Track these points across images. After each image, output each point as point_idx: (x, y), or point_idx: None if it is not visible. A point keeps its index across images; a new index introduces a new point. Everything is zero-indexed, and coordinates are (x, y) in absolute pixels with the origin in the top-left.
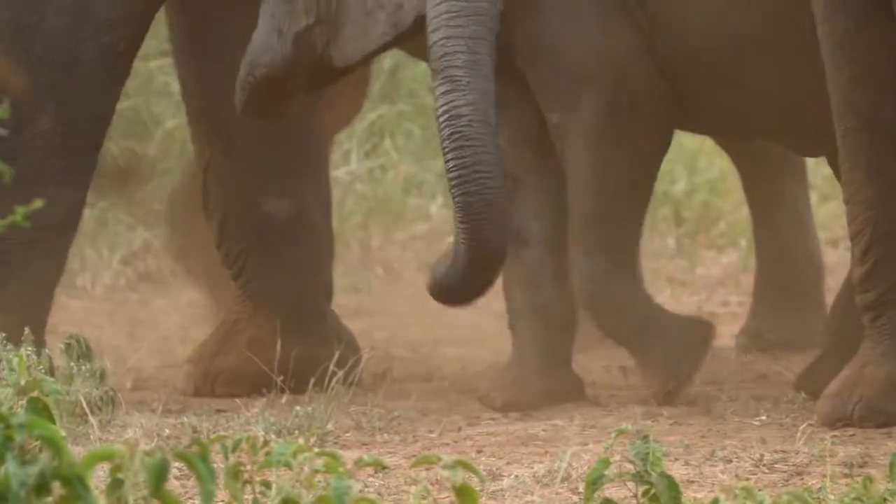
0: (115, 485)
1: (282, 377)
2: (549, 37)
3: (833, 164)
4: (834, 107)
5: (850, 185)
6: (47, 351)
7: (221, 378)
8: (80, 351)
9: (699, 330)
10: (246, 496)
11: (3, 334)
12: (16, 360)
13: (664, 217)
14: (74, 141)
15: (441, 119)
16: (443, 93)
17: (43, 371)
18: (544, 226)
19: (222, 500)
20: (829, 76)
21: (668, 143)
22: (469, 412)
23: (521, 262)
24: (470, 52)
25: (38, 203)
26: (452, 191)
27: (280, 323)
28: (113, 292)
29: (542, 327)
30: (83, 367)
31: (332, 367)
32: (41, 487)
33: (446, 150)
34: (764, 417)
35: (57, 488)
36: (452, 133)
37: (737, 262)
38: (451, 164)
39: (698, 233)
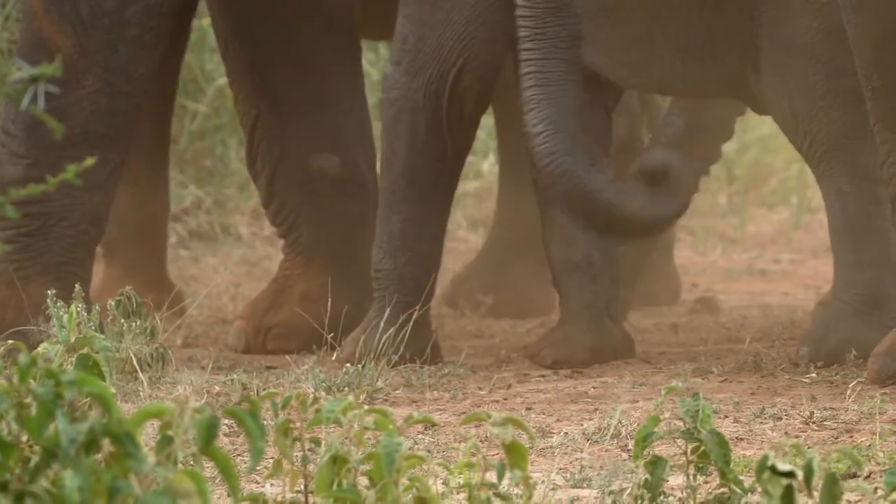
0: (165, 442)
1: (332, 333)
2: None
3: None
4: (859, 67)
5: (885, 145)
6: (97, 307)
7: (273, 333)
8: (131, 307)
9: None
10: (295, 453)
11: (54, 291)
12: (66, 317)
13: (715, 175)
14: (119, 102)
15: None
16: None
17: (93, 328)
18: None
19: (272, 457)
20: (852, 37)
21: None
22: (519, 369)
23: (553, 220)
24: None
25: (89, 161)
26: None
27: (331, 279)
28: None
29: (584, 284)
30: (133, 324)
31: (382, 323)
32: (91, 444)
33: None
34: (814, 375)
35: (106, 445)
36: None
37: (788, 219)
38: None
39: (749, 190)
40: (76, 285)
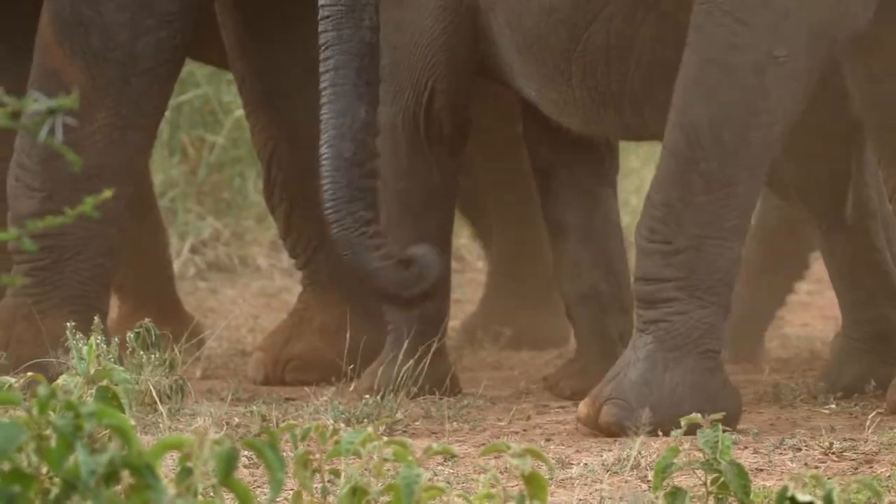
0: (185, 473)
1: (351, 365)
2: None
3: None
4: (859, 105)
5: (890, 180)
6: (116, 339)
7: (292, 365)
8: (150, 340)
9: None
10: (315, 485)
11: (73, 323)
12: (85, 349)
13: None
14: (132, 136)
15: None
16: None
17: (112, 360)
18: (578, 215)
19: (291, 489)
20: (851, 76)
21: None
22: (538, 400)
23: (560, 252)
24: (332, 84)
25: (107, 194)
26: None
27: (349, 311)
28: (182, 281)
29: (594, 313)
30: (153, 356)
31: (401, 355)
32: (110, 476)
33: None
34: (833, 406)
35: (126, 477)
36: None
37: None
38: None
39: None
40: (95, 317)
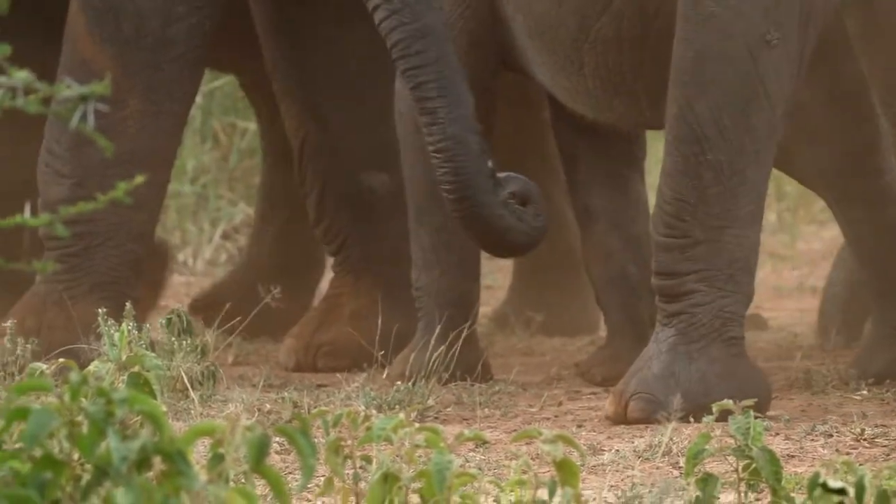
0: (216, 460)
1: (383, 351)
2: None
3: None
4: (877, 95)
5: None
6: (148, 326)
7: (323, 352)
8: (182, 326)
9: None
10: (346, 471)
11: (104, 309)
12: (117, 336)
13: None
14: (163, 122)
15: (432, 154)
16: (425, 125)
17: (144, 346)
18: (606, 199)
19: (323, 475)
20: (866, 66)
21: None
22: (569, 387)
23: (589, 237)
24: (440, 77)
25: (139, 179)
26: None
27: (381, 297)
28: (214, 267)
29: (623, 298)
30: (184, 343)
31: (432, 341)
32: (142, 462)
33: (442, 185)
34: (865, 392)
35: (158, 463)
36: (443, 169)
37: (838, 236)
38: (448, 197)
39: (799, 208)
40: (127, 304)
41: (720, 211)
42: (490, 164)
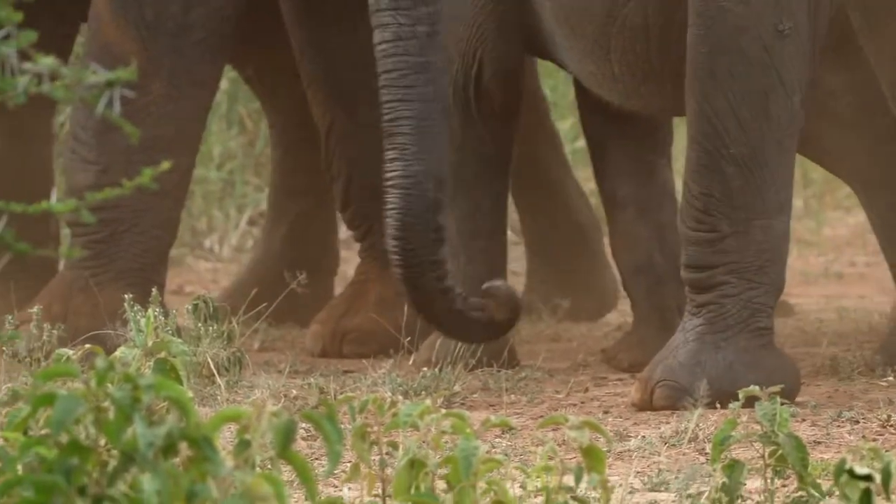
0: (243, 445)
1: (409, 338)
2: None
3: None
4: (886, 88)
5: None
6: (174, 312)
7: (349, 337)
8: (208, 312)
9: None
10: (373, 457)
11: (130, 295)
12: (143, 322)
13: None
14: (186, 106)
15: (387, 187)
16: (389, 160)
17: (170, 332)
18: (633, 186)
19: (349, 461)
20: (874, 60)
21: None
22: (596, 373)
23: (615, 224)
24: (419, 117)
25: (165, 165)
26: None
27: None
28: (240, 253)
29: (650, 285)
30: (211, 328)
31: None
32: (168, 448)
33: (388, 217)
34: (891, 378)
35: (184, 449)
36: (393, 204)
37: (864, 222)
38: (388, 235)
39: (825, 194)
40: (153, 290)
41: (746, 203)
42: (439, 221)
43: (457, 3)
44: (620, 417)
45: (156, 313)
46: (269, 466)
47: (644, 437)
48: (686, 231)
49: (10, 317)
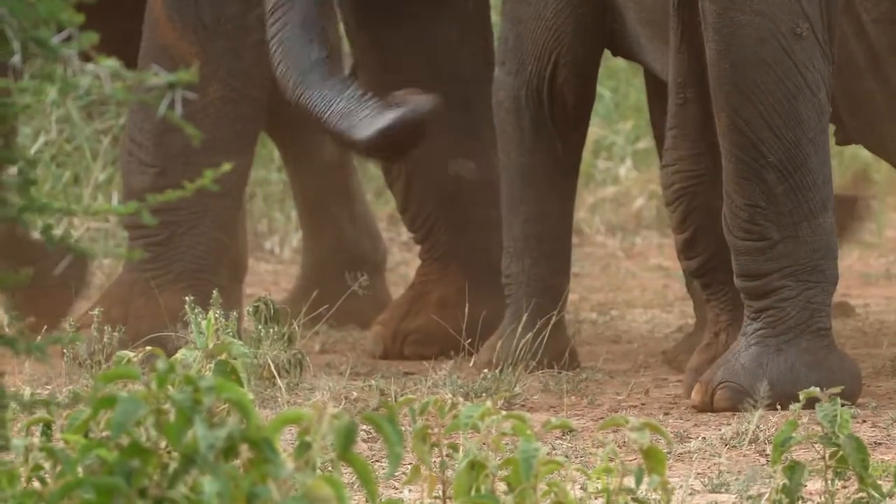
0: (303, 448)
1: (470, 339)
2: None
3: None
4: None
5: None
6: (235, 313)
7: (410, 339)
8: (269, 314)
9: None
10: (433, 459)
11: (191, 297)
12: (204, 324)
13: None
14: (244, 108)
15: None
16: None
17: (231, 334)
18: None
19: (410, 463)
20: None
21: None
22: (656, 374)
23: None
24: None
25: (226, 166)
26: None
27: (468, 284)
28: (301, 255)
29: None
30: (271, 330)
31: (519, 329)
32: (229, 450)
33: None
34: None
35: (245, 451)
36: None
37: None
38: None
39: (887, 195)
40: (214, 292)
41: (792, 207)
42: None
43: None
44: (681, 419)
45: (217, 315)
46: (330, 468)
47: (704, 438)
48: (735, 241)
49: (70, 319)
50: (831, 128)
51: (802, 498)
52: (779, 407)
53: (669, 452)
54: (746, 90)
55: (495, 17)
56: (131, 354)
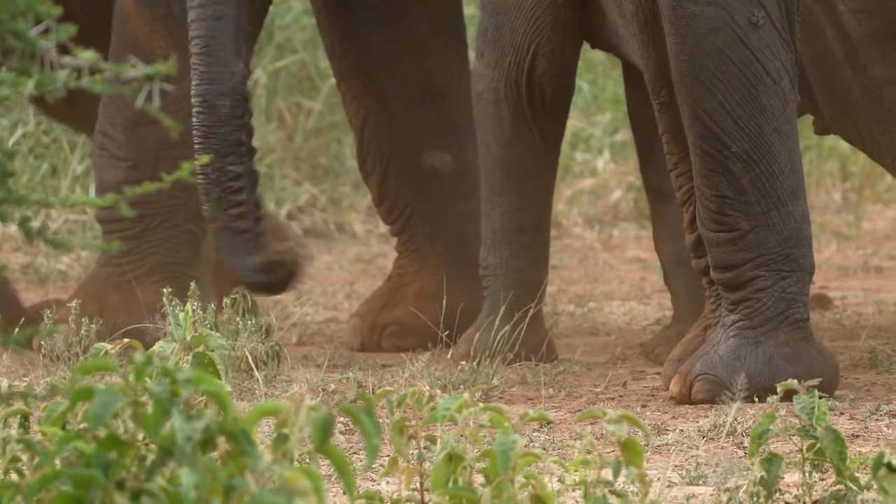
0: (281, 440)
1: (447, 331)
2: None
3: None
4: None
5: None
6: (212, 306)
7: (388, 331)
8: (246, 306)
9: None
10: (411, 451)
11: (169, 290)
12: (182, 316)
13: (830, 171)
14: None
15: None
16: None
17: (208, 326)
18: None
19: (387, 455)
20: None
21: None
22: (634, 367)
23: (659, 217)
24: (208, 35)
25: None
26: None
27: (445, 277)
28: None
29: (692, 280)
30: (249, 323)
31: (497, 321)
32: (206, 442)
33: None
34: None
35: (222, 443)
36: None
37: None
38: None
39: (864, 187)
40: (191, 284)
41: (759, 197)
42: (236, 136)
43: None
44: (658, 411)
45: (193, 307)
46: (308, 460)
47: (682, 430)
48: (707, 233)
49: (47, 312)
50: (810, 118)
51: (780, 490)
52: (756, 399)
53: (647, 445)
54: (706, 81)
55: (470, 10)
56: (109, 347)
